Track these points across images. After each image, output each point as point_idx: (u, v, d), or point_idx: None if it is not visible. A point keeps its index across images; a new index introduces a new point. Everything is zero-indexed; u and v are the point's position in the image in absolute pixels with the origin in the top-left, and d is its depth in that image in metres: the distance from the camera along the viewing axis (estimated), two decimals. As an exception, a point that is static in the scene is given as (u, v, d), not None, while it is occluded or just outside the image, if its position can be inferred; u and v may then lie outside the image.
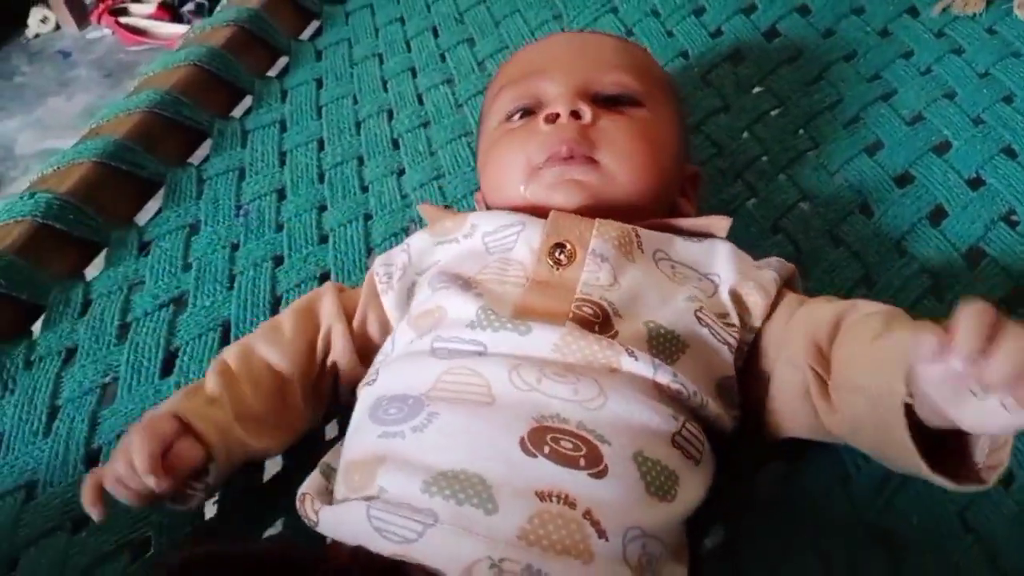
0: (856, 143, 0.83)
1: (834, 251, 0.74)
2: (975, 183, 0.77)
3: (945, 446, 0.46)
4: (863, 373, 0.49)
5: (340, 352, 0.63)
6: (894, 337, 0.48)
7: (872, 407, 0.48)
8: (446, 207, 0.78)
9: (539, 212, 0.61)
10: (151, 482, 0.51)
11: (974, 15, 0.94)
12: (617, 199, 0.61)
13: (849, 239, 0.74)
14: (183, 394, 0.60)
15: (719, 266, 0.59)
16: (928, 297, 0.69)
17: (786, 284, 0.60)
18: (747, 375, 0.58)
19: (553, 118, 0.63)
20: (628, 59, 0.70)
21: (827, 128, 0.85)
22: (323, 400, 0.64)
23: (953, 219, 0.75)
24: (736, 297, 0.58)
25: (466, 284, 0.58)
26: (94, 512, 0.53)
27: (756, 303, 0.57)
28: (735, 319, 0.57)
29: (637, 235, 0.59)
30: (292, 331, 0.63)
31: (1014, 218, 0.74)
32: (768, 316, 0.57)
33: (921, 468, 0.46)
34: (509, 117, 0.68)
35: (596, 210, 0.60)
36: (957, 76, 0.87)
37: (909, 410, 0.45)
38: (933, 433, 0.45)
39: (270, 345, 0.62)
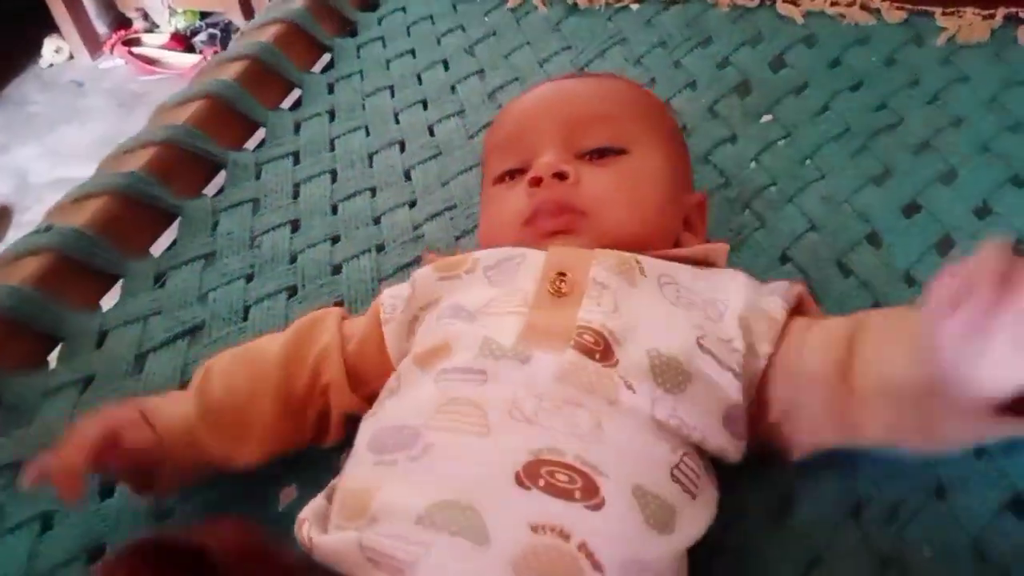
0: (863, 172, 0.84)
1: (843, 281, 0.74)
2: (982, 212, 0.78)
3: None
4: (884, 344, 0.52)
5: (334, 376, 0.64)
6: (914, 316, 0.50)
7: (898, 364, 0.50)
8: (452, 253, 0.79)
9: (539, 246, 0.62)
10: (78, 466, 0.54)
11: (979, 43, 0.95)
12: (611, 243, 0.62)
13: (858, 269, 0.75)
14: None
15: (727, 291, 0.59)
16: (937, 326, 0.70)
17: (796, 308, 0.60)
18: (760, 403, 0.58)
19: (536, 182, 0.64)
20: (609, 105, 0.70)
21: (834, 157, 0.86)
22: (306, 422, 0.64)
23: (961, 249, 0.75)
24: (744, 324, 0.58)
25: (469, 317, 0.59)
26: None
27: (763, 332, 0.58)
28: (740, 345, 0.57)
29: (638, 261, 0.60)
30: (284, 346, 0.65)
31: (1022, 247, 0.75)
32: (778, 344, 0.58)
33: (976, 406, 0.46)
34: (500, 179, 0.70)
35: (593, 247, 0.61)
36: (963, 105, 0.88)
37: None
38: None
39: (261, 349, 0.65)
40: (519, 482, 0.48)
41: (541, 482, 0.48)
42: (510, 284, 0.60)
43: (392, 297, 0.66)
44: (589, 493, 0.48)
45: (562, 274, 0.58)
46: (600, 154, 0.67)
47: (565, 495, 0.48)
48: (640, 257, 0.60)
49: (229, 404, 0.62)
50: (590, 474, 0.49)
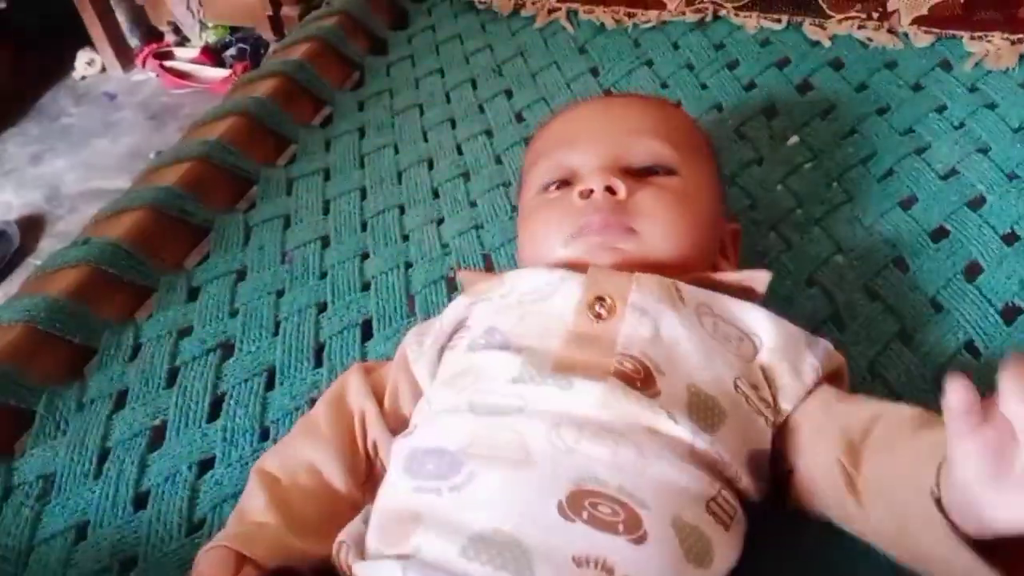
0: (890, 196, 0.84)
1: (869, 305, 0.74)
2: (1010, 238, 0.78)
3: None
4: (893, 467, 0.49)
5: (377, 433, 0.63)
6: (930, 435, 0.47)
7: (899, 500, 0.47)
8: (485, 270, 0.79)
9: (577, 268, 0.61)
10: None
11: (1007, 69, 0.95)
12: (656, 263, 0.62)
13: (884, 293, 0.75)
14: (233, 521, 0.60)
15: (761, 328, 0.59)
16: (962, 352, 0.70)
17: (830, 376, 0.58)
18: (777, 462, 0.57)
19: (588, 193, 0.63)
20: (659, 125, 0.70)
21: (861, 181, 0.86)
22: (377, 482, 0.62)
23: (988, 274, 0.75)
24: (768, 374, 0.57)
25: (505, 341, 0.58)
26: None
27: (788, 386, 0.57)
28: (767, 394, 0.57)
29: (677, 288, 0.59)
30: (328, 424, 0.64)
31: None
32: (800, 403, 0.57)
33: (965, 562, 0.42)
34: (546, 188, 0.69)
35: (635, 269, 0.60)
36: (990, 130, 0.88)
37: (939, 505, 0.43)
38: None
39: (310, 445, 0.63)
40: (562, 513, 0.48)
41: (585, 514, 0.48)
42: (547, 308, 0.59)
43: (418, 335, 0.65)
44: (632, 526, 0.48)
45: (600, 299, 0.58)
46: (649, 172, 0.66)
47: (609, 528, 0.47)
48: (680, 284, 0.59)
49: (314, 508, 0.60)
50: (632, 506, 0.48)
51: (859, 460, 0.52)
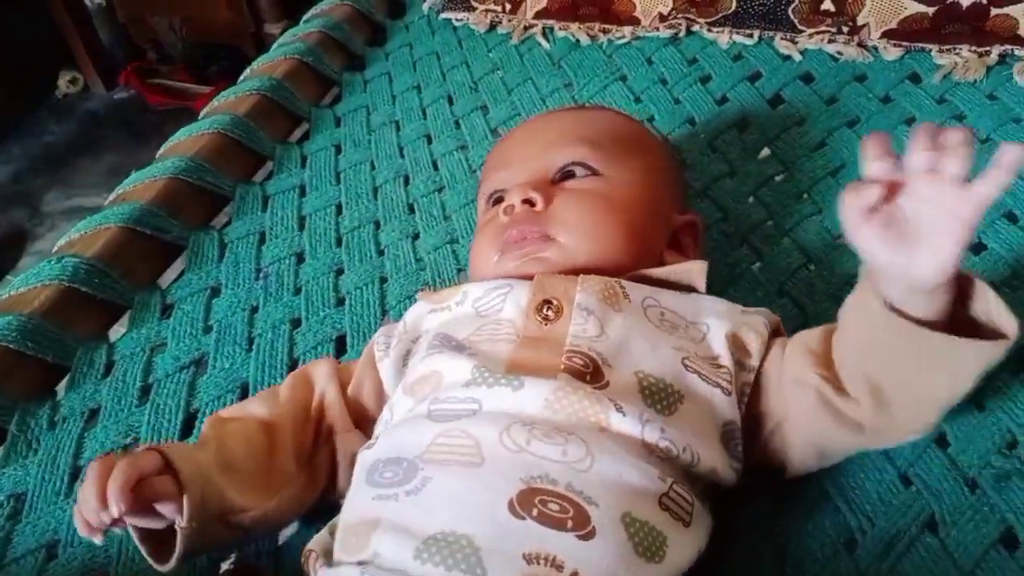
0: (860, 208, 0.84)
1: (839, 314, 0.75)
2: (977, 248, 0.78)
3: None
4: (853, 335, 0.55)
5: (334, 414, 0.65)
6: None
7: (871, 338, 0.52)
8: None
9: (524, 277, 0.63)
10: (115, 510, 0.53)
11: (975, 81, 0.96)
12: (585, 265, 0.63)
13: (853, 303, 0.75)
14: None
15: (709, 316, 0.61)
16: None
17: (774, 332, 0.62)
18: (752, 419, 0.59)
19: (510, 210, 0.67)
20: (583, 128, 0.72)
21: (830, 193, 0.87)
22: (319, 472, 0.65)
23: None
24: (734, 340, 0.59)
25: (459, 346, 0.60)
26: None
27: (752, 343, 0.59)
28: (727, 361, 0.58)
29: (622, 287, 0.61)
30: (287, 393, 0.66)
31: (1015, 282, 0.75)
32: (764, 357, 0.59)
33: (950, 341, 0.49)
34: (486, 208, 0.73)
35: (571, 273, 0.62)
36: (959, 142, 0.89)
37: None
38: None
39: (265, 405, 0.66)
40: (513, 511, 0.49)
41: (535, 512, 0.49)
42: (498, 314, 0.61)
43: (386, 335, 0.68)
44: (580, 523, 0.49)
45: (548, 301, 0.60)
46: (570, 175, 0.69)
47: (558, 525, 0.49)
48: (624, 282, 0.62)
49: (250, 459, 0.62)
50: (581, 503, 0.49)
51: (829, 361, 0.56)
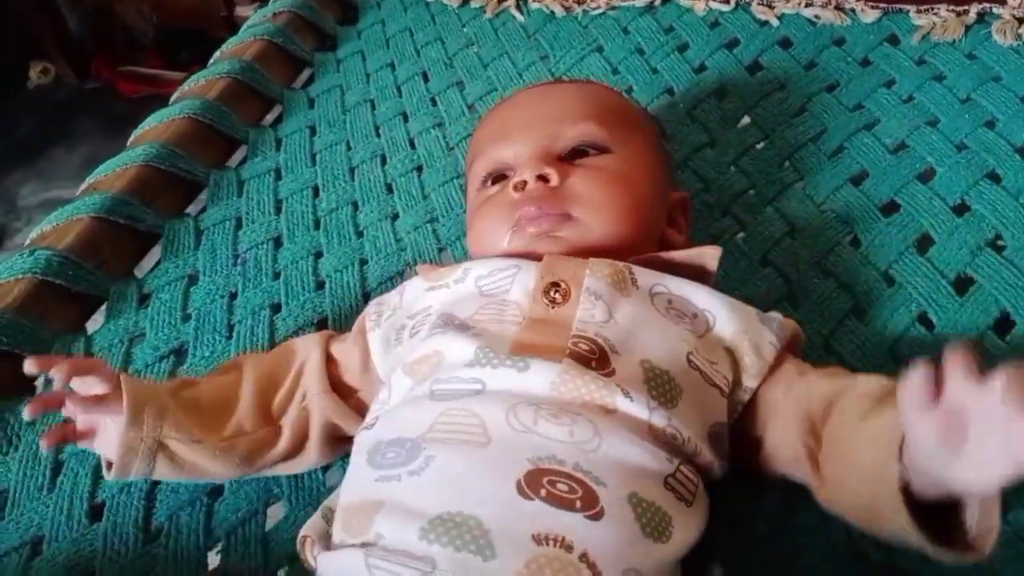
0: (841, 173, 0.84)
1: (824, 282, 0.74)
2: (960, 209, 0.78)
3: (936, 518, 0.46)
4: (855, 452, 0.50)
5: (312, 377, 0.65)
6: (885, 415, 0.49)
7: (866, 486, 0.49)
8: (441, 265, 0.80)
9: (532, 257, 0.62)
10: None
11: (954, 41, 0.95)
12: (599, 245, 0.62)
13: (838, 270, 0.75)
14: None
15: (713, 306, 0.60)
16: (915, 325, 0.70)
17: (787, 346, 0.60)
18: (742, 435, 0.59)
19: (522, 185, 0.65)
20: (587, 105, 0.70)
21: (812, 159, 0.86)
22: (285, 432, 0.64)
23: (940, 246, 0.75)
24: (732, 352, 0.58)
25: (463, 326, 0.59)
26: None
27: (752, 364, 0.58)
28: (726, 370, 0.58)
29: (631, 272, 0.60)
30: (270, 356, 0.68)
31: (1000, 243, 0.75)
32: (764, 380, 0.58)
33: (922, 544, 0.46)
34: (484, 183, 0.70)
35: (582, 254, 0.61)
36: (939, 103, 0.89)
37: (905, 490, 0.46)
38: (924, 505, 0.46)
39: (247, 360, 0.67)
40: (521, 492, 0.48)
41: (543, 492, 0.48)
42: (504, 294, 0.60)
43: (378, 305, 0.67)
44: (589, 503, 0.48)
45: (555, 284, 0.59)
46: (581, 153, 0.67)
47: (567, 505, 0.48)
48: (633, 267, 0.60)
49: (211, 397, 0.64)
50: (589, 483, 0.49)
51: (821, 444, 0.54)
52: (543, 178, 0.64)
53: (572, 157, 0.67)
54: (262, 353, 0.70)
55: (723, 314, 0.59)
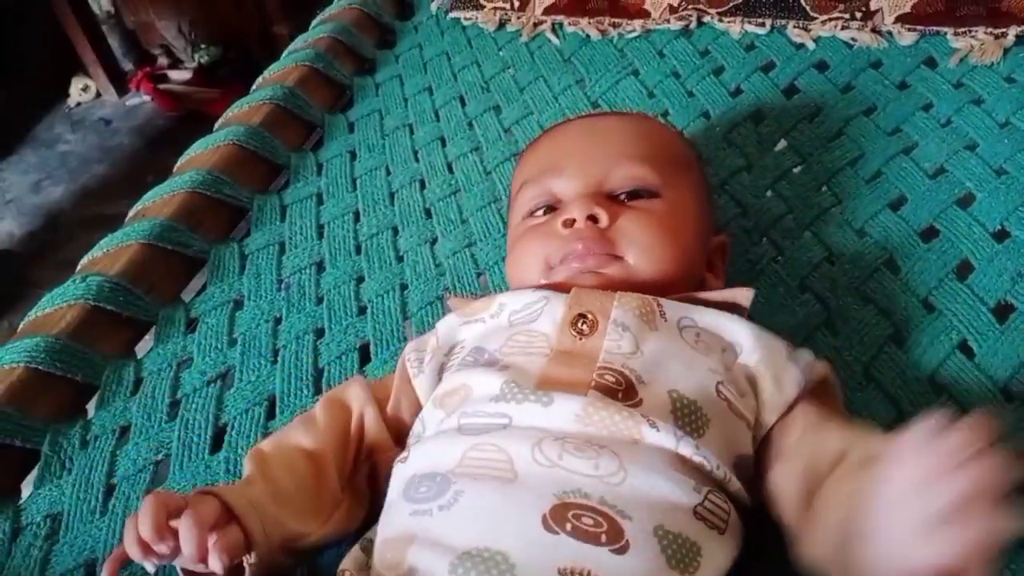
0: (879, 198, 0.84)
1: (862, 309, 0.74)
2: (1000, 235, 0.78)
3: None
4: (838, 519, 0.49)
5: (375, 434, 0.65)
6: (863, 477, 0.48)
7: (841, 542, 0.47)
8: (480, 289, 0.80)
9: (561, 289, 0.63)
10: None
11: (992, 64, 0.95)
12: (639, 285, 0.63)
13: (876, 296, 0.75)
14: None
15: (742, 337, 0.60)
16: (956, 353, 0.70)
17: (813, 390, 0.59)
18: (756, 463, 0.59)
19: (570, 223, 0.65)
20: (641, 145, 0.71)
21: (850, 184, 0.86)
22: (362, 491, 0.65)
23: (980, 273, 0.75)
24: (753, 383, 0.59)
25: (491, 360, 0.60)
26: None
27: (771, 399, 0.58)
28: (752, 401, 0.58)
29: (659, 305, 0.61)
30: (324, 419, 0.65)
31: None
32: (781, 417, 0.58)
33: None
34: (531, 213, 0.70)
35: (617, 289, 0.62)
36: (977, 127, 0.88)
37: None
38: None
39: (304, 433, 0.65)
40: (547, 526, 0.49)
41: (568, 526, 0.49)
42: (532, 327, 0.61)
43: (417, 351, 0.67)
44: (614, 536, 0.49)
45: (583, 316, 0.60)
46: (633, 196, 0.67)
47: (592, 539, 0.49)
48: (661, 300, 0.61)
49: (298, 487, 0.61)
50: (614, 517, 0.50)
51: (816, 495, 0.52)
52: (593, 218, 0.65)
53: (622, 197, 0.67)
54: (314, 419, 0.66)
55: (748, 344, 0.60)
